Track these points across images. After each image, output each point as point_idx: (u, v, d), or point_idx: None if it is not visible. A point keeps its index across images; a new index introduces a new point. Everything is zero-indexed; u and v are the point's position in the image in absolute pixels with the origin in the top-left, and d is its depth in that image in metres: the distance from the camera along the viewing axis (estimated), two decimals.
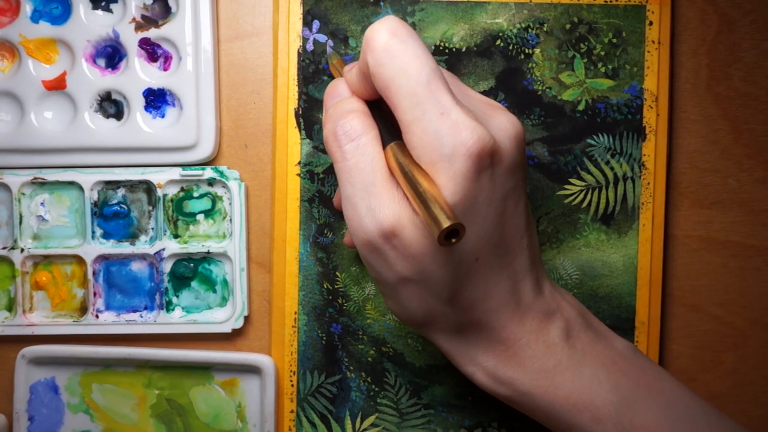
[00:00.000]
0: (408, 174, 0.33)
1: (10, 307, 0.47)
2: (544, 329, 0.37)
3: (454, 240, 0.31)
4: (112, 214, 0.47)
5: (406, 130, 0.33)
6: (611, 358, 0.38)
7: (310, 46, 0.45)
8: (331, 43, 0.45)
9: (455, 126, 0.33)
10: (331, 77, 0.45)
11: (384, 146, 0.35)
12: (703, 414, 0.37)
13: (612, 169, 0.46)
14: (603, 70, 0.46)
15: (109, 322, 0.46)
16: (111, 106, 0.46)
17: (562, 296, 0.39)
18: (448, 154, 0.32)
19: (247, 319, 0.47)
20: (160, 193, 0.46)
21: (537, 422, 0.45)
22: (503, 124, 0.35)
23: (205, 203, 0.47)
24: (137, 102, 0.46)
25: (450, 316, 0.36)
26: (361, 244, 0.35)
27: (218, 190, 0.47)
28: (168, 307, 0.47)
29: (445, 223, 0.30)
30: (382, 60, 0.33)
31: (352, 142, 0.35)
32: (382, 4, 0.45)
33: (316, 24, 0.45)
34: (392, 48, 0.33)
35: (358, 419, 0.46)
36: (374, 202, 0.34)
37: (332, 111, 0.36)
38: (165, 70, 0.46)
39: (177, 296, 0.47)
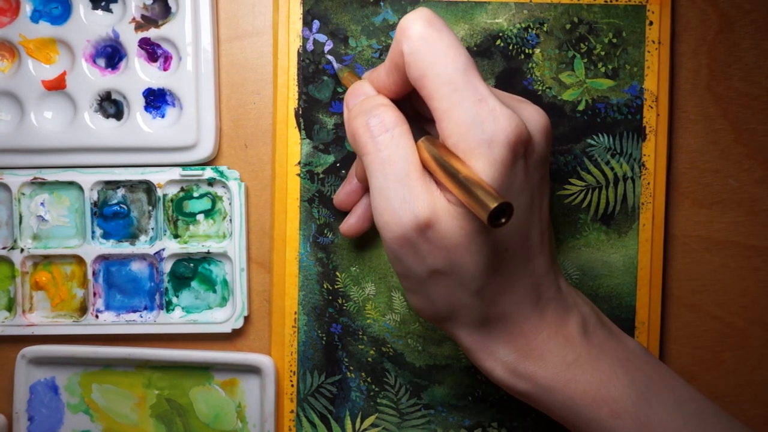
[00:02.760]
0: (445, 163, 0.33)
1: (10, 307, 0.47)
2: (563, 323, 0.37)
3: (503, 220, 0.31)
4: (112, 214, 0.47)
5: (443, 117, 0.33)
6: (625, 355, 0.38)
7: (310, 46, 0.45)
8: (330, 50, 0.45)
9: (493, 113, 0.33)
10: (331, 77, 0.45)
11: (414, 141, 0.35)
12: (712, 413, 0.37)
13: (612, 169, 0.46)
14: (603, 70, 0.46)
15: (109, 322, 0.46)
16: (111, 106, 0.46)
17: (576, 293, 0.39)
18: (486, 140, 0.33)
19: (247, 319, 0.47)
20: (160, 193, 0.46)
21: (537, 422, 0.45)
22: (533, 115, 0.36)
23: (205, 203, 0.47)
24: (137, 102, 0.46)
25: (475, 309, 0.36)
26: (394, 237, 0.34)
27: (218, 190, 0.47)
28: (168, 307, 0.47)
29: (493, 203, 0.30)
30: (419, 48, 0.34)
31: (387, 132, 0.35)
32: (382, 4, 0.45)
33: (316, 24, 0.45)
34: (429, 36, 0.34)
35: (358, 419, 0.46)
36: (408, 194, 0.34)
37: (360, 106, 0.36)
38: (165, 70, 0.46)
39: (177, 296, 0.47)
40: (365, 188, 0.43)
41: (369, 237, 0.46)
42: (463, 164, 0.33)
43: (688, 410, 0.37)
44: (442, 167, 0.33)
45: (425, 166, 0.35)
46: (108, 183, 0.46)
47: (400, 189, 0.34)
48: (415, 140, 0.35)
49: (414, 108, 0.39)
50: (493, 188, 0.32)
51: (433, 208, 0.33)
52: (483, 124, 0.33)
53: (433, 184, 0.34)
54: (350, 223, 0.43)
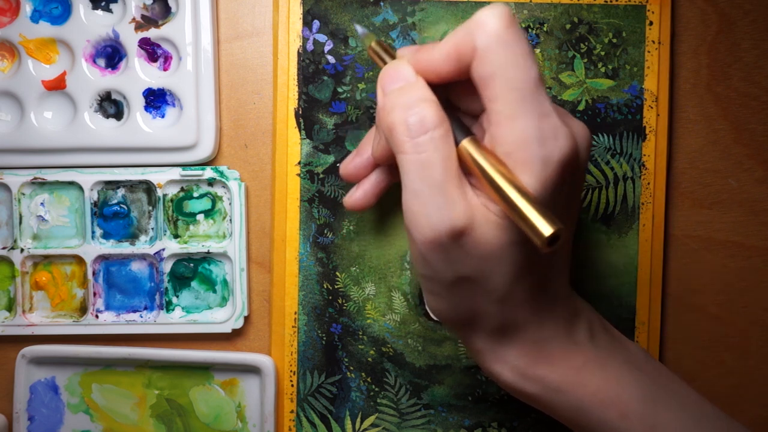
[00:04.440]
0: (495, 174, 0.32)
1: (10, 307, 0.47)
2: (573, 328, 0.37)
3: (556, 245, 0.30)
4: (112, 214, 0.47)
5: (503, 123, 0.32)
6: (629, 358, 0.38)
7: (310, 46, 0.45)
8: (330, 50, 0.45)
9: (555, 131, 0.32)
10: (331, 77, 0.45)
11: (456, 141, 0.34)
12: (715, 416, 0.37)
13: (612, 169, 0.46)
14: (603, 70, 0.46)
15: (108, 322, 0.46)
16: (111, 106, 0.46)
17: (579, 298, 0.39)
18: (544, 156, 0.32)
19: (247, 319, 0.47)
20: (160, 193, 0.46)
21: (537, 422, 0.45)
22: (580, 130, 0.35)
23: (205, 203, 0.47)
24: (137, 102, 0.46)
25: (494, 316, 0.36)
26: (426, 241, 0.33)
27: (218, 190, 0.47)
28: (168, 307, 0.47)
29: (550, 230, 0.30)
30: (495, 47, 0.32)
31: (427, 134, 0.33)
32: (382, 4, 0.45)
33: (316, 24, 0.45)
34: (509, 38, 0.32)
35: (358, 419, 0.46)
36: (445, 201, 0.32)
37: (399, 97, 0.34)
38: (165, 70, 0.46)
39: (177, 296, 0.47)
40: (376, 165, 0.41)
41: (369, 237, 0.46)
42: (513, 176, 0.32)
43: (692, 413, 0.37)
44: (489, 176, 0.32)
45: (467, 170, 0.33)
46: (108, 183, 0.46)
47: (436, 194, 0.33)
48: (455, 137, 0.33)
49: (446, 95, 0.37)
50: (549, 213, 0.31)
51: (471, 216, 0.32)
52: (544, 140, 0.32)
53: (471, 191, 0.33)
54: (356, 197, 0.41)
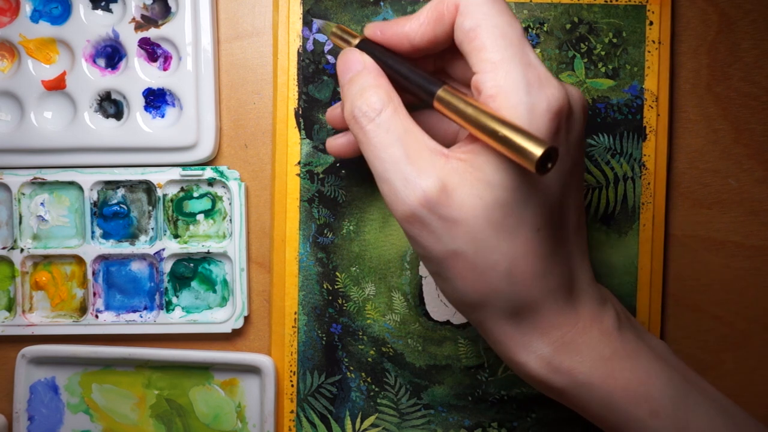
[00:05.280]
0: (480, 109, 0.31)
1: (10, 307, 0.47)
2: (599, 316, 0.36)
3: (550, 165, 0.29)
4: (111, 214, 0.47)
5: (490, 69, 0.32)
6: (658, 353, 0.37)
7: (310, 46, 0.45)
8: (330, 50, 0.45)
9: (541, 79, 0.32)
10: (331, 77, 0.45)
11: (432, 94, 0.33)
12: (742, 416, 0.36)
13: (612, 169, 0.46)
14: (603, 70, 0.46)
15: (108, 322, 0.46)
16: (111, 106, 0.46)
17: (604, 287, 0.38)
18: (531, 103, 0.31)
19: (247, 319, 0.47)
20: (160, 193, 0.46)
21: (537, 422, 0.45)
22: (574, 93, 0.35)
23: (205, 203, 0.47)
24: (137, 102, 0.46)
25: (506, 296, 0.34)
26: (404, 218, 0.33)
27: (218, 190, 0.47)
28: (168, 307, 0.47)
29: (540, 148, 0.28)
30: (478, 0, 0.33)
31: (372, 121, 0.33)
32: (382, 4, 0.45)
33: (316, 24, 0.45)
34: None
35: (358, 419, 0.46)
36: (410, 172, 0.32)
37: (350, 90, 0.35)
38: (165, 70, 0.46)
39: (177, 296, 0.47)
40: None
41: (369, 237, 0.46)
42: (495, 111, 0.31)
43: (723, 411, 0.35)
44: (478, 114, 0.31)
45: (450, 118, 0.33)
46: (108, 183, 0.46)
47: (400, 170, 0.32)
48: (432, 93, 0.33)
49: (435, 66, 0.38)
50: (537, 135, 0.30)
51: (443, 179, 0.32)
52: (530, 86, 0.31)
53: (441, 156, 0.33)
54: (340, 143, 0.41)
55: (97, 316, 0.46)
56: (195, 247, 0.46)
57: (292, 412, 0.46)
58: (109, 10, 0.46)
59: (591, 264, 0.37)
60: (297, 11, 0.45)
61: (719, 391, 0.37)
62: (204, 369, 0.47)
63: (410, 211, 0.32)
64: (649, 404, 0.35)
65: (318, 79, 0.45)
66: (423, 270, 0.46)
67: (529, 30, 0.45)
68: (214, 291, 0.47)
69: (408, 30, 0.35)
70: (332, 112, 0.41)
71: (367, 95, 0.34)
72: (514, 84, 0.32)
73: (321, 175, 0.46)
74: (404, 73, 0.35)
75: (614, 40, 0.46)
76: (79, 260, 0.46)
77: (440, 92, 0.33)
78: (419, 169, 0.32)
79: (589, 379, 0.35)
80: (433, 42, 0.35)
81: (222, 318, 0.46)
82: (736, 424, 0.35)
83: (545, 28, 0.45)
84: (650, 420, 0.35)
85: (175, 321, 0.46)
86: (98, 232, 0.47)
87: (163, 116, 0.46)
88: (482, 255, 0.32)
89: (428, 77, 0.34)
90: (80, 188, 0.46)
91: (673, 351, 0.38)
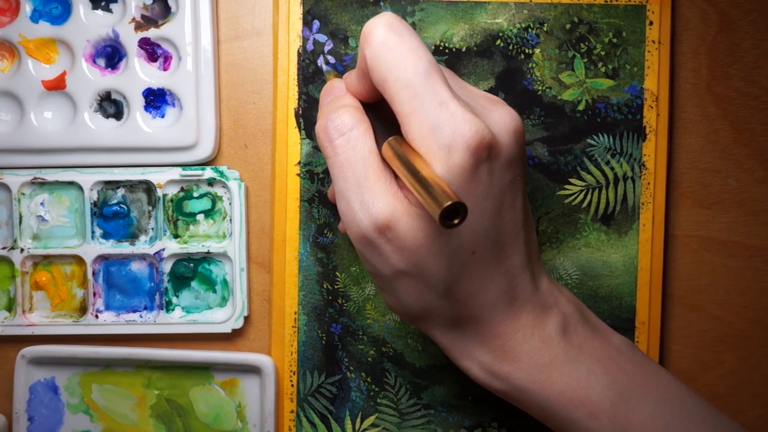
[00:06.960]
0: (406, 162, 0.33)
1: (10, 307, 0.47)
2: (540, 324, 0.37)
3: (456, 221, 0.30)
4: (111, 214, 0.47)
5: (404, 122, 0.34)
6: (608, 353, 0.38)
7: (310, 46, 0.45)
8: (330, 50, 0.45)
9: (453, 117, 0.33)
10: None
11: (382, 141, 0.35)
12: (698, 410, 0.37)
13: (612, 169, 0.46)
14: (603, 70, 0.46)
15: (108, 322, 0.46)
16: (111, 106, 0.46)
17: (560, 292, 0.39)
18: (446, 144, 0.33)
19: (247, 319, 0.47)
20: (160, 193, 0.46)
21: (537, 423, 0.45)
22: (503, 117, 0.35)
23: (205, 203, 0.47)
24: (137, 102, 0.46)
25: (445, 310, 0.36)
26: (356, 238, 0.35)
27: (218, 190, 0.47)
28: (168, 307, 0.47)
29: (446, 202, 0.30)
30: (379, 53, 0.34)
31: (343, 136, 0.35)
32: (381, 4, 0.45)
33: (316, 24, 0.45)
34: (389, 41, 0.34)
35: (358, 419, 0.46)
36: (367, 196, 0.34)
37: (326, 107, 0.37)
38: (165, 70, 0.46)
39: (177, 296, 0.47)
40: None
41: None
42: (424, 164, 0.33)
43: (672, 409, 0.36)
44: (403, 165, 0.33)
45: (389, 166, 0.35)
46: (108, 183, 0.46)
47: (359, 191, 0.34)
48: (385, 139, 0.35)
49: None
50: (449, 188, 0.31)
51: (393, 209, 0.34)
52: (442, 128, 0.33)
53: (395, 186, 0.34)
54: None
55: (97, 316, 0.46)
56: (195, 247, 0.46)
57: (292, 411, 0.46)
58: (109, 10, 0.46)
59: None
60: (297, 11, 0.45)
61: (684, 386, 0.38)
62: (204, 369, 0.47)
63: (363, 233, 0.34)
64: (586, 407, 0.36)
65: (318, 79, 0.45)
66: None
67: (529, 30, 0.45)
68: (214, 291, 0.47)
69: (349, 85, 0.38)
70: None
71: (342, 112, 0.36)
72: (427, 131, 0.33)
73: (321, 175, 0.46)
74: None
75: (614, 40, 0.46)
76: (79, 260, 0.46)
77: (384, 145, 0.35)
78: (375, 195, 0.34)
79: (526, 384, 0.37)
80: (372, 94, 0.37)
81: (222, 318, 0.46)
82: (685, 417, 0.36)
83: (545, 28, 0.45)
84: (588, 421, 0.36)
85: (175, 321, 0.46)
86: (98, 232, 0.47)
87: (163, 116, 0.46)
88: (423, 278, 0.35)
89: (383, 127, 0.36)
90: (80, 188, 0.46)
91: (636, 347, 0.39)
